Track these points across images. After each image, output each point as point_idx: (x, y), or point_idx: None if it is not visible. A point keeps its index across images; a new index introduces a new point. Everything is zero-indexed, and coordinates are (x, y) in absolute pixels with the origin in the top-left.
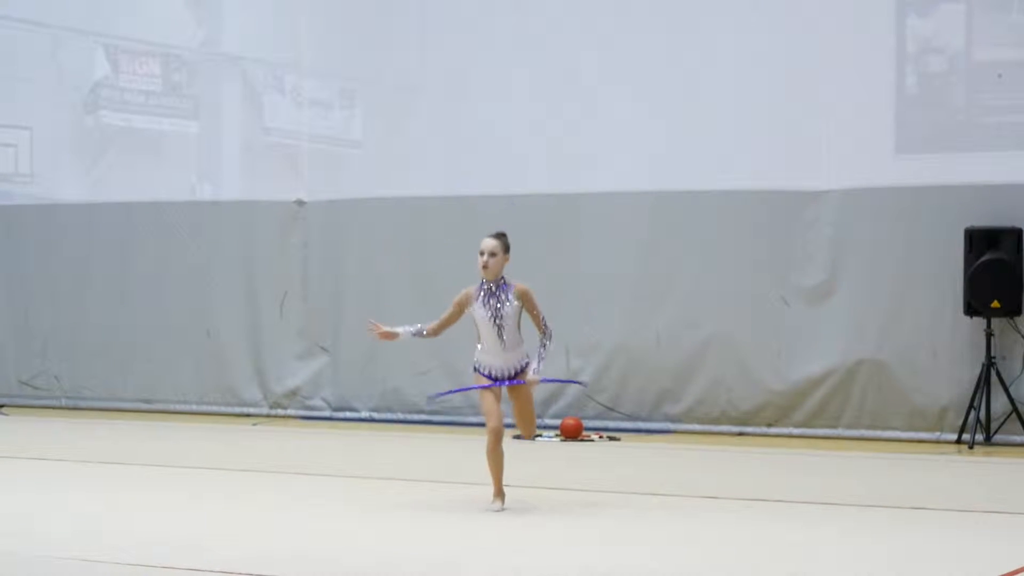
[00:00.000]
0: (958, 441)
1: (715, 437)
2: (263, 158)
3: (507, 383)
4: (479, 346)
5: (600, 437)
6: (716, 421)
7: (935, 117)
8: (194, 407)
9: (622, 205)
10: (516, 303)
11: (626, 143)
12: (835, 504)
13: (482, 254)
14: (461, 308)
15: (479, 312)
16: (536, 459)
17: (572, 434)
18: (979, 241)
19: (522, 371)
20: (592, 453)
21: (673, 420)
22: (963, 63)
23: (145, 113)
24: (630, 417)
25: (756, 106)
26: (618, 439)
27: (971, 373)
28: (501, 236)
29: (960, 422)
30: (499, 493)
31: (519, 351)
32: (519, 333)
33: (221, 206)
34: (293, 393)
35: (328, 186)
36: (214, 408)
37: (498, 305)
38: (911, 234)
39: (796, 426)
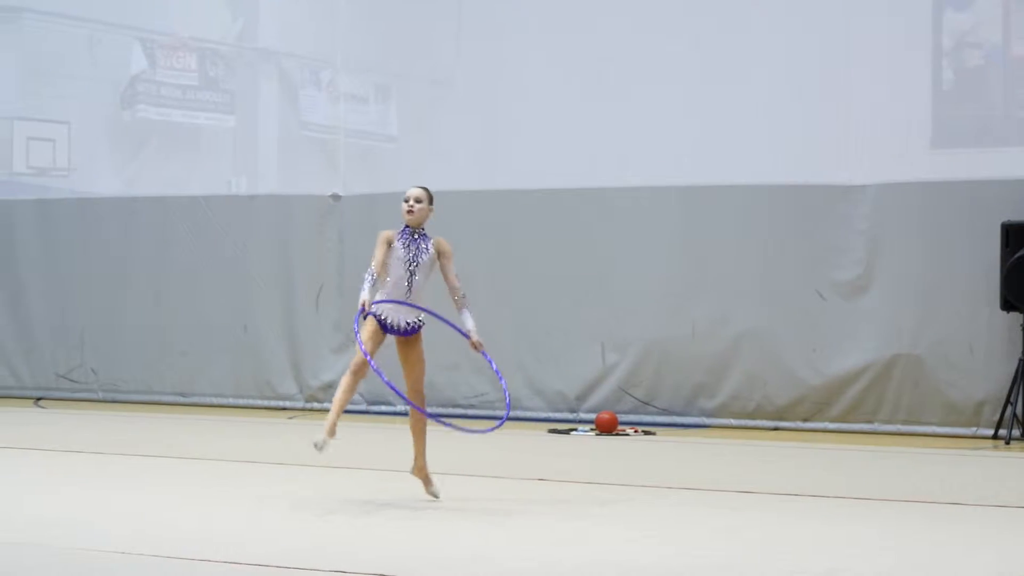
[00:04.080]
0: (994, 437)
1: (750, 432)
2: (299, 152)
3: (404, 334)
4: (381, 291)
5: (635, 432)
6: (751, 416)
7: (972, 112)
8: (230, 400)
9: (656, 200)
10: (433, 254)
11: (659, 138)
12: (872, 499)
13: (407, 200)
14: (388, 242)
15: (399, 252)
16: (571, 453)
17: (607, 428)
18: (1015, 236)
19: (415, 331)
20: (627, 447)
21: (708, 415)
22: (1000, 58)
23: (182, 107)
24: (665, 411)
25: (791, 100)
26: (653, 433)
27: (1007, 368)
28: (426, 189)
29: (996, 417)
30: (331, 430)
31: (416, 310)
32: (425, 290)
33: (257, 200)
34: (328, 387)
35: (363, 180)
36: (250, 402)
37: (417, 251)
38: (947, 229)
39: (832, 421)
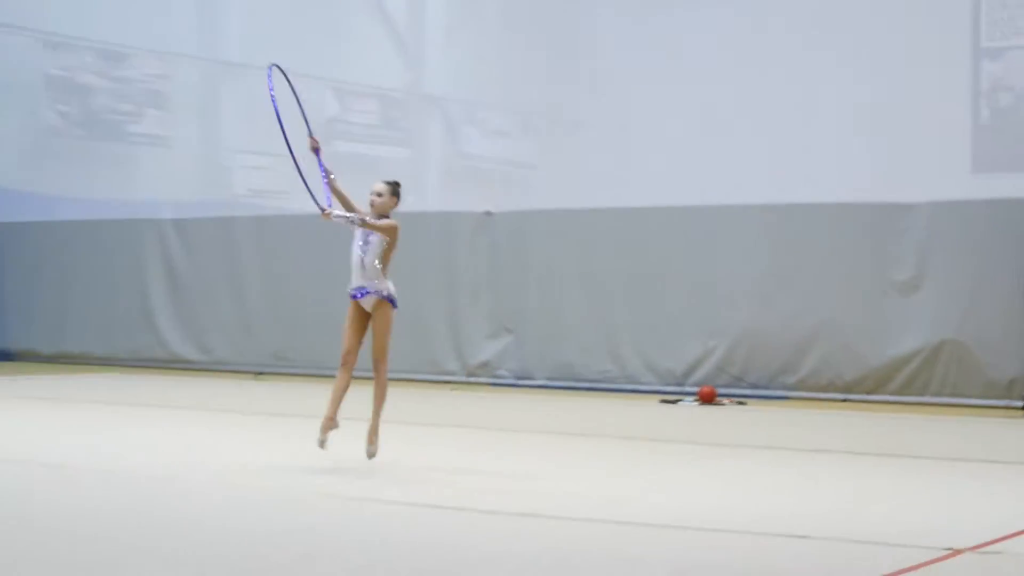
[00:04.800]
0: (1023, 408)
1: (824, 403)
2: (459, 177)
3: (362, 296)
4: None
5: (730, 402)
6: (825, 389)
7: (1005, 143)
8: (405, 375)
9: (750, 216)
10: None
11: (754, 165)
12: (922, 457)
13: (371, 193)
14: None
15: (356, 232)
16: (678, 420)
17: (708, 399)
18: None
19: (368, 294)
20: (724, 415)
21: (790, 388)
22: None
23: (366, 142)
24: (755, 386)
25: (858, 135)
26: (745, 403)
27: None
28: (393, 183)
29: None
30: (328, 422)
31: (376, 281)
32: (377, 267)
33: (427, 216)
34: (484, 365)
35: (511, 200)
36: (421, 376)
37: (369, 232)
38: (986, 239)
39: (891, 394)
